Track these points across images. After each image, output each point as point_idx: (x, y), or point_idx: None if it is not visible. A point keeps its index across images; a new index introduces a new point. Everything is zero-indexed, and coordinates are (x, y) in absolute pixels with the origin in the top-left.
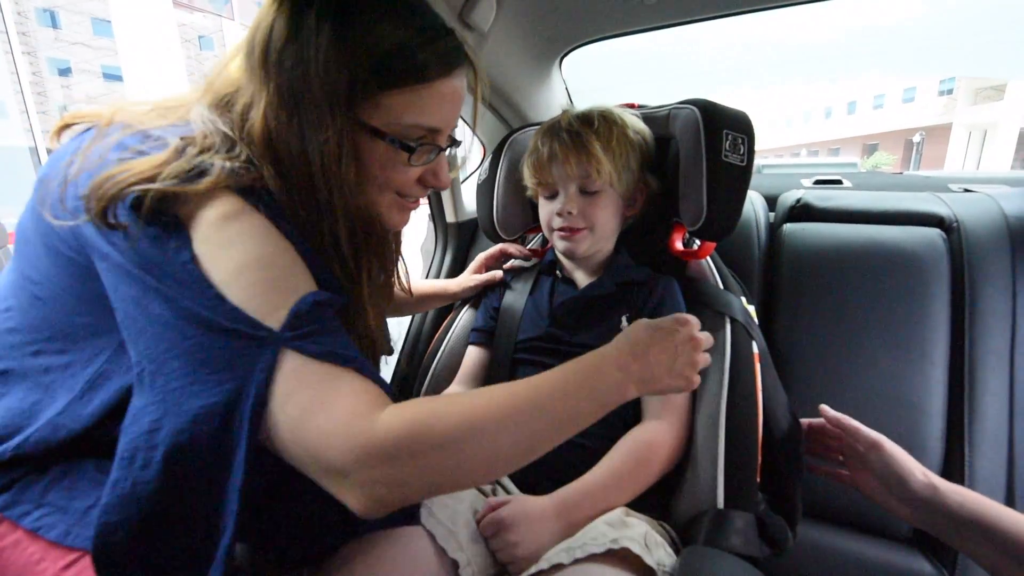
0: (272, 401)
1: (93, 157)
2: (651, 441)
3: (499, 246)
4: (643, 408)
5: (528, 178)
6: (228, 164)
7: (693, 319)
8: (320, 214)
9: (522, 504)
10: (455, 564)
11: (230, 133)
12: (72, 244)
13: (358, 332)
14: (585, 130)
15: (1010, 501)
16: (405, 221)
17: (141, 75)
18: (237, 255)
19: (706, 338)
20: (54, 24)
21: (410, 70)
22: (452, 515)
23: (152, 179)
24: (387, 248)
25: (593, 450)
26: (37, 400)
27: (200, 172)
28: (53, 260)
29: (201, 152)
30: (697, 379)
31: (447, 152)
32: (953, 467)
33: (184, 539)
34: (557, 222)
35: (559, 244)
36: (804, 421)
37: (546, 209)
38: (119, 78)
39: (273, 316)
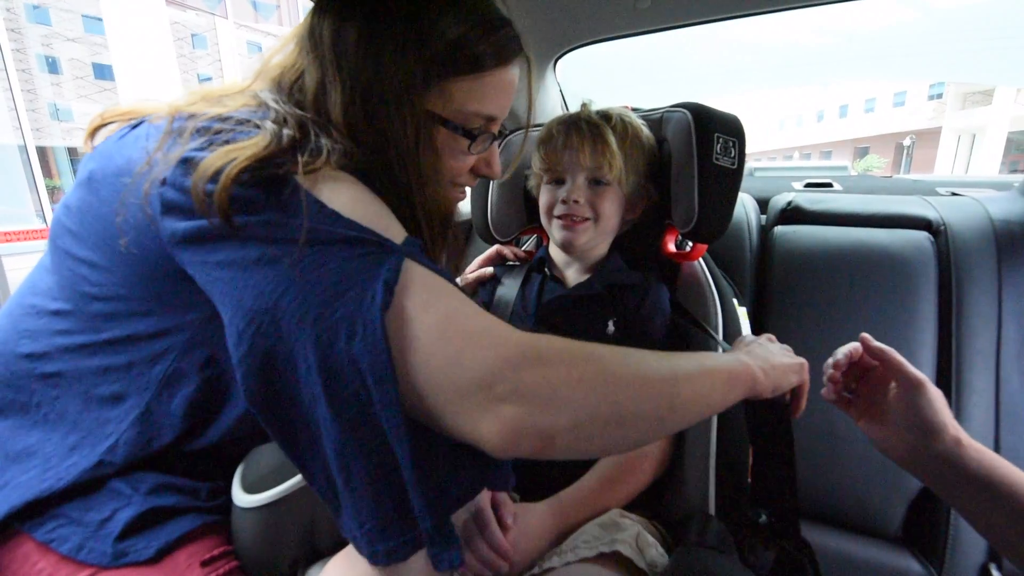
0: (408, 307)
1: (175, 150)
2: (642, 449)
3: (495, 248)
4: None
5: (536, 163)
6: (330, 145)
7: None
8: (399, 202)
9: (519, 510)
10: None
11: (313, 118)
12: (145, 243)
13: None
14: (603, 124)
15: None
16: (461, 197)
17: (133, 73)
18: (349, 193)
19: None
20: (44, 21)
21: (472, 59)
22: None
23: (264, 160)
24: (458, 239)
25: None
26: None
27: (311, 153)
28: (115, 260)
29: (294, 135)
30: (806, 377)
31: (498, 143)
32: None
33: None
34: (560, 209)
35: (558, 234)
36: (839, 350)
37: (549, 195)
38: (110, 76)
39: (392, 233)
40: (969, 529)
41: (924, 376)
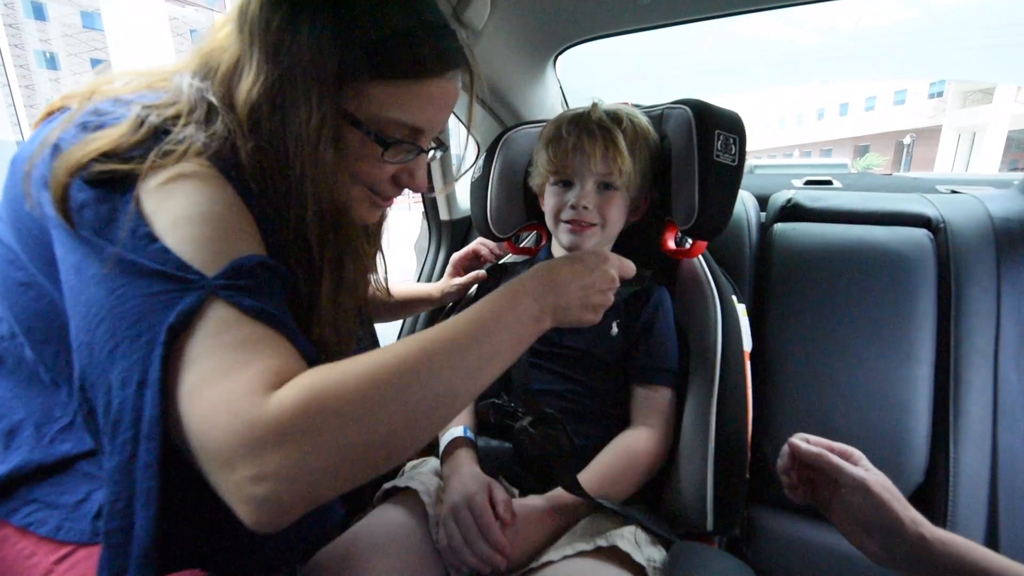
0: (181, 361)
1: (55, 135)
2: (637, 448)
3: (471, 247)
4: (633, 412)
5: (543, 164)
6: (201, 137)
7: (612, 257)
8: (289, 194)
9: (517, 505)
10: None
11: (215, 102)
12: (35, 231)
13: (319, 327)
14: (614, 127)
15: (993, 498)
16: (373, 217)
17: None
18: (182, 206)
19: (623, 273)
20: (42, 17)
21: (404, 63)
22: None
23: (110, 155)
24: (356, 241)
25: (590, 449)
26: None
27: (165, 151)
28: (28, 245)
29: (166, 121)
30: (601, 316)
31: (430, 155)
32: (938, 465)
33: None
34: (568, 214)
35: (565, 237)
36: (784, 448)
37: (557, 199)
38: None
39: (209, 265)
40: (966, 526)
41: (865, 476)
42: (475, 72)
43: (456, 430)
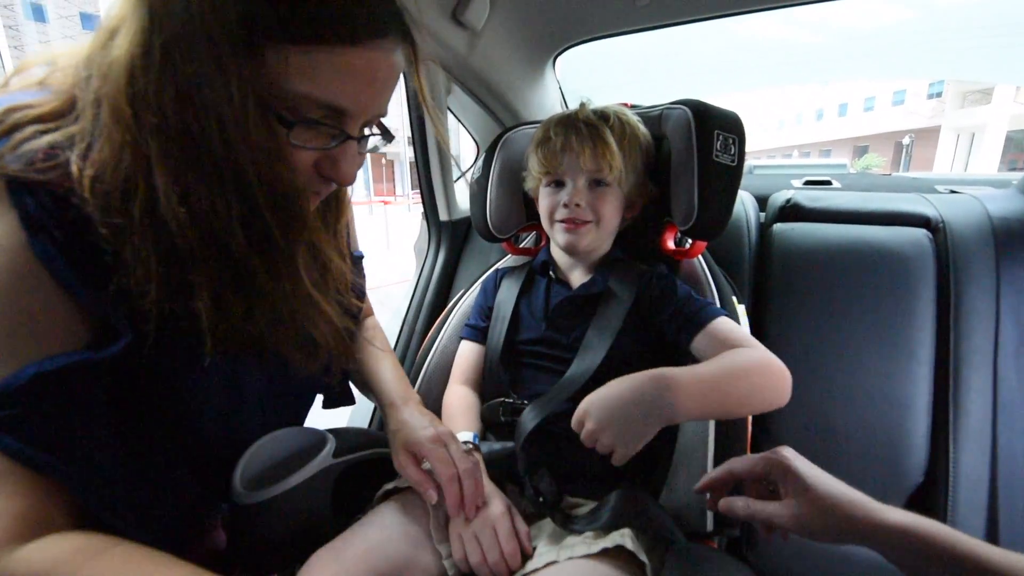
0: None
1: None
2: (765, 359)
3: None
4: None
5: (534, 166)
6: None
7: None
8: (220, 185)
9: (600, 400)
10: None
11: (81, 93)
12: None
13: (310, 326)
14: (602, 125)
15: (993, 497)
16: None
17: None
18: None
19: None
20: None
21: (317, 24)
22: None
23: None
24: (313, 232)
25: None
26: None
27: None
28: None
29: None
30: None
31: (370, 144)
32: (938, 464)
33: None
34: (562, 213)
35: (561, 237)
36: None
37: (550, 199)
38: None
39: None
40: (966, 525)
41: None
42: (417, 47)
43: (465, 435)
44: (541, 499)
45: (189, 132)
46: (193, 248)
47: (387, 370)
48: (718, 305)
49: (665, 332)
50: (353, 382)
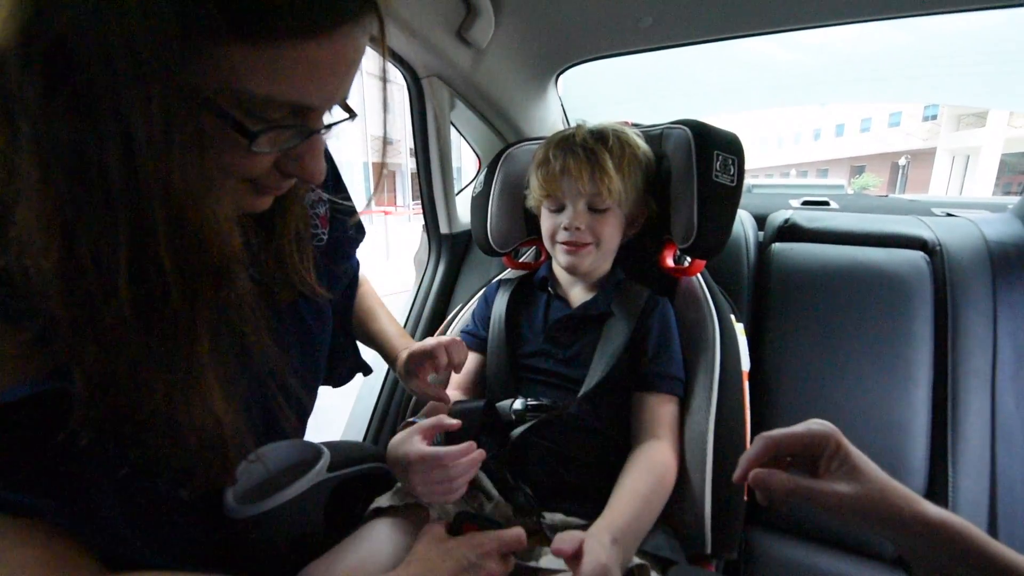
0: None
1: None
2: (662, 462)
3: (437, 419)
4: (640, 425)
5: (535, 189)
6: None
7: (492, 544)
8: (109, 229)
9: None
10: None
11: None
12: None
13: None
14: (599, 147)
15: (992, 520)
16: (262, 205)
17: None
18: None
19: (509, 548)
20: None
21: (273, 16)
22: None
23: None
24: (236, 289)
25: (587, 464)
26: None
27: None
28: None
29: None
30: None
31: (330, 132)
32: (937, 487)
33: None
34: (563, 235)
35: (563, 258)
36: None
37: (551, 221)
38: None
39: None
40: None
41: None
42: (382, 17)
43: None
44: (524, 502)
45: (81, 152)
46: (53, 306)
47: (387, 325)
48: (717, 328)
49: (634, 365)
50: (356, 336)
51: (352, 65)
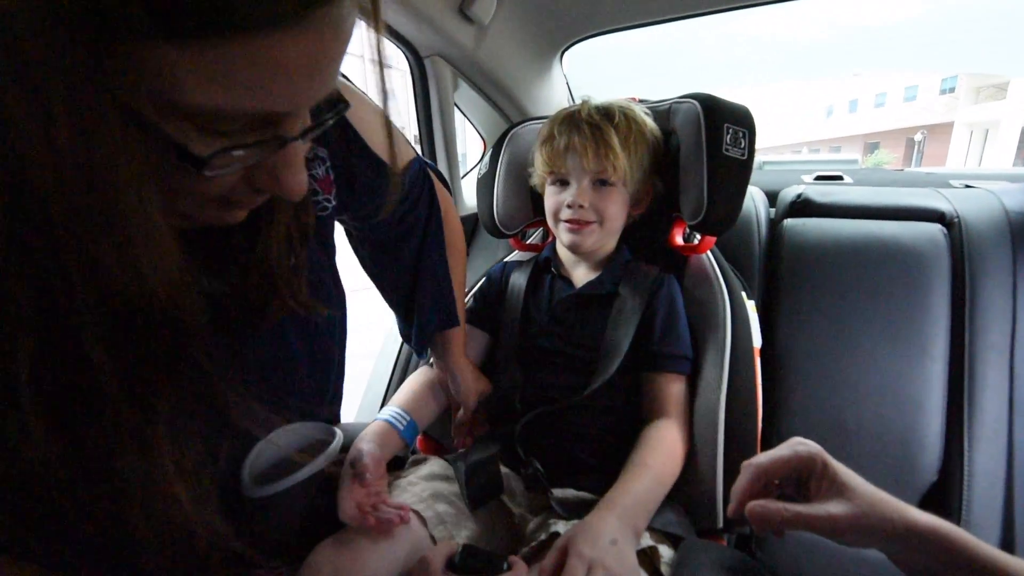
0: None
1: None
2: (671, 439)
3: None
4: (648, 405)
5: (539, 165)
6: None
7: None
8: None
9: (587, 532)
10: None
11: None
12: None
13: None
14: (605, 124)
15: (1009, 496)
16: (234, 218)
17: None
18: None
19: None
20: None
21: (215, 6)
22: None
23: None
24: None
25: (600, 441)
26: None
27: None
28: None
29: None
30: None
31: (307, 136)
32: (952, 463)
33: None
34: (566, 213)
35: (565, 236)
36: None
37: (555, 198)
38: None
39: None
40: (981, 525)
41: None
42: None
43: (390, 411)
44: (535, 477)
45: None
46: None
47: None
48: (728, 305)
49: (642, 343)
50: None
51: (334, 56)
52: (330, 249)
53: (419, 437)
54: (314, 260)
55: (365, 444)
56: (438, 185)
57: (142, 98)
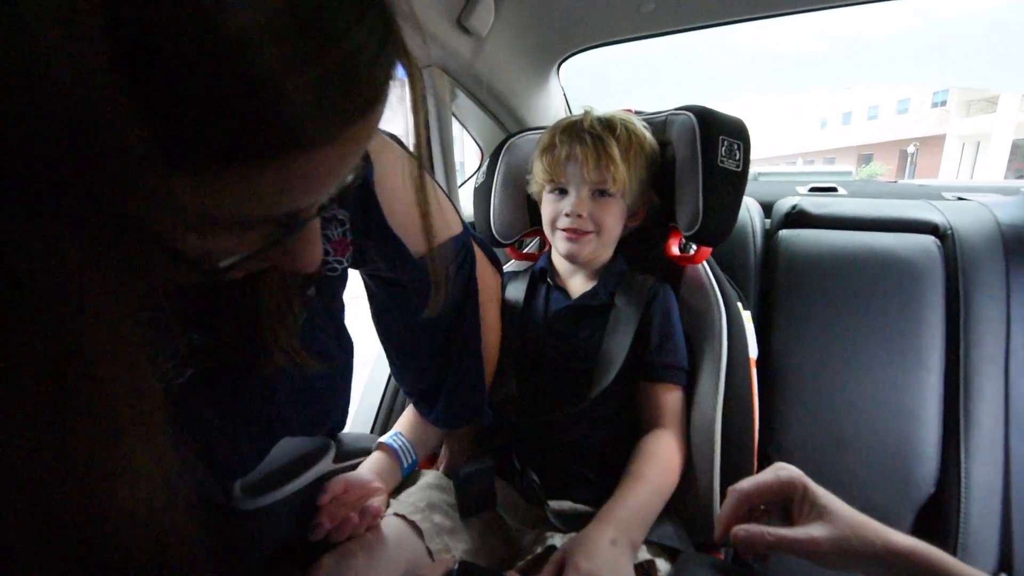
0: None
1: None
2: (668, 450)
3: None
4: (645, 416)
5: (539, 173)
6: None
7: None
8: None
9: (584, 545)
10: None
11: None
12: None
13: None
14: (607, 135)
15: (1007, 508)
16: (235, 276)
17: None
18: None
19: None
20: None
21: (237, 139)
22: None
23: None
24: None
25: (597, 453)
26: None
27: None
28: None
29: None
30: None
31: (328, 210)
32: (949, 475)
33: None
34: (564, 222)
35: (562, 245)
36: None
37: (553, 207)
38: None
39: None
40: (979, 537)
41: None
42: (414, 78)
43: (387, 436)
44: (531, 489)
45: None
46: None
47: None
48: (724, 316)
49: (638, 354)
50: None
51: (357, 155)
52: (337, 305)
53: None
54: (316, 316)
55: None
56: (482, 261)
57: (155, 217)
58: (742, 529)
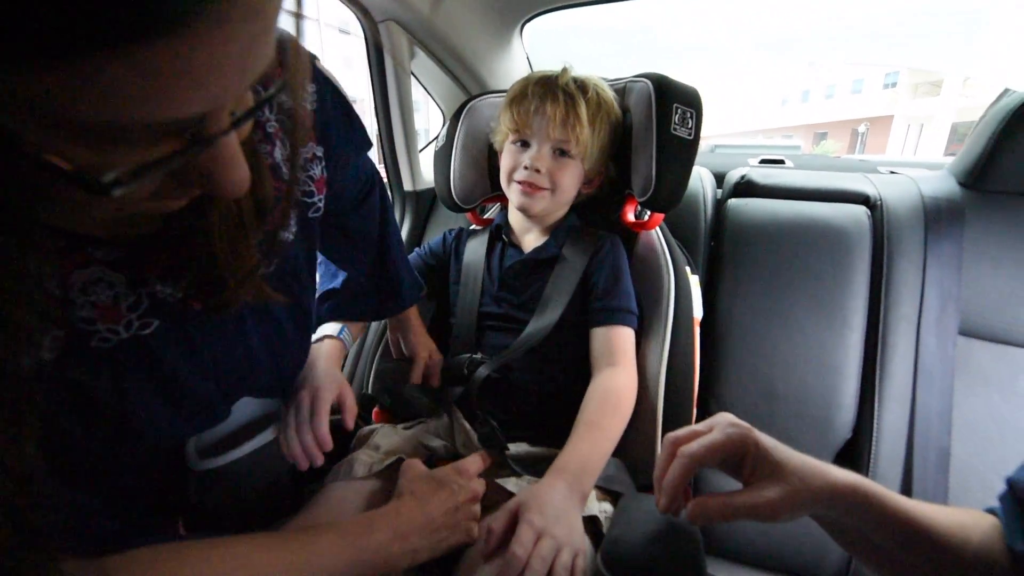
0: None
1: None
2: (618, 388)
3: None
4: (596, 356)
5: (505, 122)
6: None
7: (473, 467)
8: None
9: (538, 499)
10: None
11: None
12: None
13: None
14: (579, 96)
15: (909, 450)
16: (173, 206)
17: None
18: None
19: (481, 487)
20: None
21: (97, 19)
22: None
23: None
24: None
25: (549, 396)
26: None
27: None
28: None
29: None
30: (476, 529)
31: (241, 125)
32: (864, 422)
33: None
34: (521, 174)
35: (516, 198)
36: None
37: (513, 158)
38: None
39: None
40: (886, 475)
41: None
42: None
43: (331, 327)
44: (489, 436)
45: None
46: None
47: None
48: (672, 279)
49: (588, 299)
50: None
51: (249, 47)
52: (312, 244)
53: (374, 409)
54: (293, 252)
55: (346, 393)
56: None
57: (23, 124)
58: (698, 504)
